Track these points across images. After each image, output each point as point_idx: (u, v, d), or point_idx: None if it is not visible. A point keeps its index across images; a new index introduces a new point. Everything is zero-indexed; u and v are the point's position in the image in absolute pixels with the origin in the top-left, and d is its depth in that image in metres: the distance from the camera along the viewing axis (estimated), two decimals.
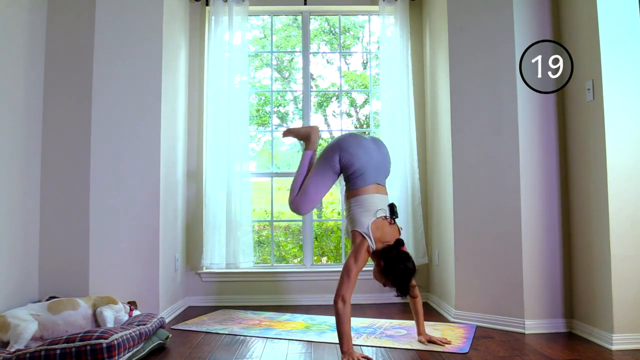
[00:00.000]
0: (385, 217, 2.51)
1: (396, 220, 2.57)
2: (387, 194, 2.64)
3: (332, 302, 3.45)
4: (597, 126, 2.66)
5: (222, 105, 3.84)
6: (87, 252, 3.00)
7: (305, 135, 2.86)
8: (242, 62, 3.92)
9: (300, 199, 2.67)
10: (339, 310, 2.34)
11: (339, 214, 4.66)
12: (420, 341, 2.65)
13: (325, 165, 2.59)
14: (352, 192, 2.57)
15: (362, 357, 2.34)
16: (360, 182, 2.54)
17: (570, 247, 2.96)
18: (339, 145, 2.57)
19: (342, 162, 2.54)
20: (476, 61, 3.18)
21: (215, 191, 3.80)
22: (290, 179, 2.81)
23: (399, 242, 2.47)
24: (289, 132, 2.96)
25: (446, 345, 2.58)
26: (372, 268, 3.87)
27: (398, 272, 2.38)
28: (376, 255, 2.48)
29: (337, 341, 2.69)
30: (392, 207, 2.55)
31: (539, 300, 2.92)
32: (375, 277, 2.53)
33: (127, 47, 3.14)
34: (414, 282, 2.53)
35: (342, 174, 2.62)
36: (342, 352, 2.34)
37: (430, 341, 2.62)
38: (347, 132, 2.98)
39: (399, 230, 2.59)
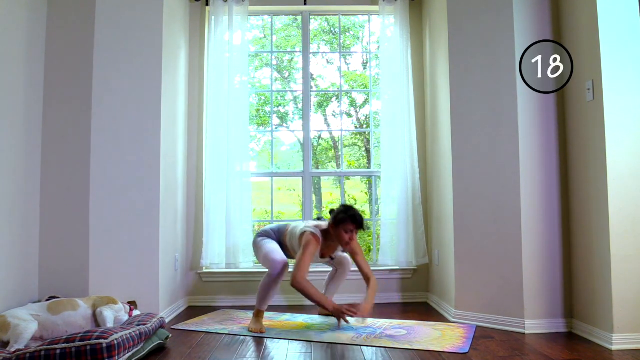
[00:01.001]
0: (313, 220, 3.15)
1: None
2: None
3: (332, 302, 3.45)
4: (597, 126, 2.66)
5: (222, 105, 3.84)
6: (87, 252, 3.00)
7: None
8: (242, 62, 3.92)
9: (270, 267, 3.00)
10: (299, 287, 2.79)
11: None
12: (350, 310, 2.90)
13: (264, 242, 3.13)
14: (284, 236, 3.17)
15: (348, 307, 2.72)
16: (282, 230, 3.22)
17: (570, 247, 2.96)
18: (259, 237, 3.21)
19: (270, 236, 3.18)
20: (476, 61, 3.18)
21: (215, 191, 3.80)
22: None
23: (332, 209, 3.05)
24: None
25: (354, 314, 2.83)
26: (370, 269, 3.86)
27: (342, 212, 2.94)
28: (326, 235, 2.99)
29: (337, 341, 2.70)
30: (317, 218, 3.22)
31: (539, 300, 2.92)
32: (344, 243, 2.94)
33: (127, 47, 3.14)
34: (368, 269, 3.07)
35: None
36: (330, 311, 2.70)
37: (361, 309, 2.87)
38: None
39: None
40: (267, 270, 3.02)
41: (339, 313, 2.71)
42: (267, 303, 3.02)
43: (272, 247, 3.08)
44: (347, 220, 2.92)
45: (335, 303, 2.78)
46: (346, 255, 3.32)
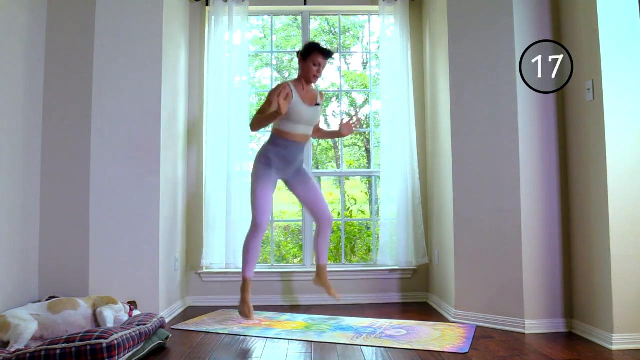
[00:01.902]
0: None
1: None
2: None
3: (332, 302, 3.47)
4: (597, 126, 2.66)
5: (222, 105, 3.84)
6: (87, 252, 3.00)
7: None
8: (242, 62, 3.92)
9: (252, 220, 3.24)
10: (252, 126, 3.07)
11: (339, 214, 4.67)
12: (340, 129, 3.35)
13: (261, 183, 3.19)
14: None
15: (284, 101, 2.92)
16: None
17: (570, 247, 2.96)
18: (260, 162, 3.23)
19: (270, 164, 3.22)
20: (476, 61, 3.18)
21: (215, 191, 3.80)
22: None
23: (298, 51, 3.25)
24: None
25: (356, 120, 3.39)
26: (366, 269, 3.91)
27: (307, 45, 3.14)
28: (297, 82, 3.19)
29: (337, 341, 2.70)
30: None
31: (539, 300, 2.92)
32: (312, 76, 3.14)
33: (127, 47, 3.14)
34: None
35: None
36: (273, 113, 2.92)
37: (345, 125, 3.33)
38: None
39: None
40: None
41: (278, 108, 2.86)
42: (252, 267, 3.18)
43: (263, 202, 3.15)
44: (312, 50, 3.10)
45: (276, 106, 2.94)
46: (326, 207, 3.41)
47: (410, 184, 3.85)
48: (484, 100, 3.13)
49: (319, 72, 3.16)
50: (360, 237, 5.80)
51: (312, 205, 3.37)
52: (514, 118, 3.00)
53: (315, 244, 3.44)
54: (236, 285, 3.85)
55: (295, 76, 3.31)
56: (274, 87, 3.10)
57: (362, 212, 5.83)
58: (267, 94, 3.09)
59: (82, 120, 3.07)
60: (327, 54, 3.14)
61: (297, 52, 3.24)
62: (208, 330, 2.97)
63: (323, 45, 3.16)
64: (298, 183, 3.33)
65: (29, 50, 2.92)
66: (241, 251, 3.75)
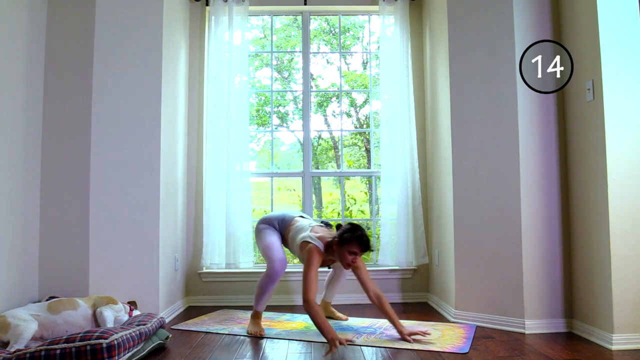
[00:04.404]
0: (319, 225, 2.99)
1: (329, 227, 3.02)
2: (310, 218, 3.20)
3: (332, 302, 3.47)
4: (597, 126, 2.66)
5: (222, 105, 3.84)
6: (87, 252, 3.00)
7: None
8: (242, 62, 3.92)
9: (268, 264, 2.97)
10: (308, 310, 2.60)
11: (339, 214, 4.67)
12: (403, 339, 2.68)
13: (266, 233, 3.06)
14: (288, 230, 3.05)
15: (347, 340, 2.50)
16: (287, 222, 3.07)
17: (570, 247, 2.96)
18: (262, 224, 3.14)
19: (273, 226, 3.09)
20: (476, 61, 3.18)
21: (215, 191, 3.80)
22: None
23: (339, 224, 2.90)
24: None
25: (427, 335, 2.71)
26: (367, 269, 3.88)
27: (349, 231, 2.72)
28: (328, 249, 2.80)
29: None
30: (322, 222, 3.10)
31: (539, 300, 2.92)
32: (346, 263, 2.74)
33: (127, 47, 3.14)
34: (374, 287, 2.83)
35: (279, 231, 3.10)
36: (328, 340, 2.47)
37: (412, 333, 2.70)
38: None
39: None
40: (265, 267, 2.97)
41: (333, 343, 2.42)
42: (264, 303, 2.99)
43: (273, 242, 3.01)
44: (354, 241, 2.69)
45: (336, 334, 2.48)
46: None
47: (410, 184, 3.85)
48: (484, 100, 3.13)
49: (354, 261, 2.74)
50: None
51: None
52: (514, 118, 3.00)
53: (327, 285, 3.29)
54: (236, 285, 3.86)
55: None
56: (313, 255, 2.73)
57: (362, 212, 5.83)
58: (307, 257, 2.73)
59: (82, 120, 3.07)
60: (367, 247, 2.72)
61: (337, 228, 2.86)
62: (208, 330, 2.97)
63: (364, 233, 2.73)
64: None
65: (29, 50, 2.92)
66: (241, 251, 3.77)
